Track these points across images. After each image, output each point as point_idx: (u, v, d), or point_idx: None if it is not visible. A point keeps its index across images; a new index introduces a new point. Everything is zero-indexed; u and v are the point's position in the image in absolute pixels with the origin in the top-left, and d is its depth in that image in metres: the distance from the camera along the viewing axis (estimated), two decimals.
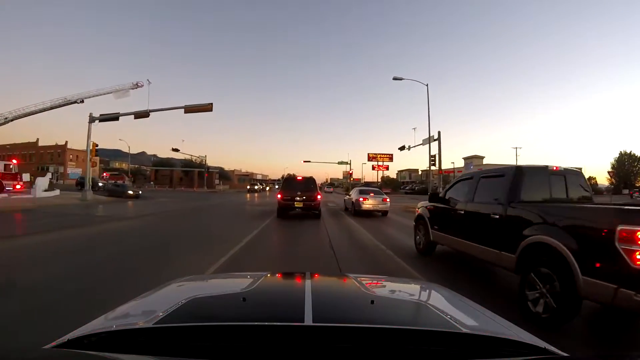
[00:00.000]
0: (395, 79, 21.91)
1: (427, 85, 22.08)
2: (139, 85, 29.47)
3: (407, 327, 0.93)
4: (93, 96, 28.88)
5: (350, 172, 52.43)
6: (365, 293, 1.43)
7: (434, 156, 22.90)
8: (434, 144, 23.18)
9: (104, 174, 61.70)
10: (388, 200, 14.31)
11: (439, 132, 23.46)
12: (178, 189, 54.04)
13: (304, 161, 56.35)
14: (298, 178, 13.34)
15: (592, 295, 2.75)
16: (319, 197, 12.67)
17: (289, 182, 13.33)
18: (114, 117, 21.44)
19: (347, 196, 17.13)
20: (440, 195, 5.97)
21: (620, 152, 70.16)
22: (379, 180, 63.55)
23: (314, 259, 6.26)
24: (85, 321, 1.04)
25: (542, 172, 4.39)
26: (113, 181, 52.34)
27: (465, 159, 68.98)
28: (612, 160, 67.34)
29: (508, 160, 67.89)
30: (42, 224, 9.69)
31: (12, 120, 27.88)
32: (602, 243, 2.67)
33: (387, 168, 48.19)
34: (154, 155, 69.95)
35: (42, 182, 22.29)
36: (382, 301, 1.32)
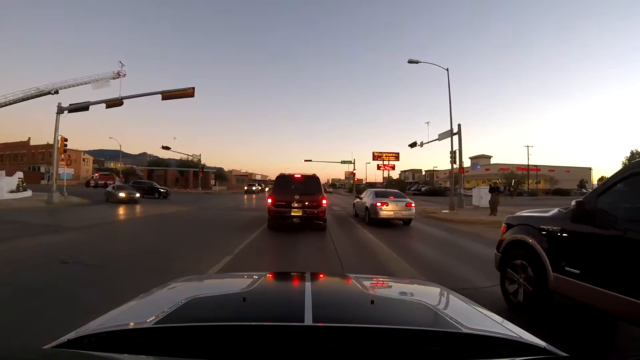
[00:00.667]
0: (410, 62, 18.84)
1: (447, 69, 19.03)
2: (121, 74, 26.60)
3: (407, 327, 0.92)
4: (69, 86, 26.00)
5: (354, 172, 49.30)
6: (365, 293, 1.43)
7: (456, 152, 19.79)
8: (452, 139, 20.14)
9: (95, 174, 59.15)
10: (414, 205, 11.16)
11: (459, 126, 20.45)
12: (171, 189, 51.01)
13: (305, 160, 53.25)
14: (296, 176, 9.83)
15: None
16: (324, 202, 9.36)
17: (283, 182, 9.74)
18: (84, 107, 18.47)
19: (357, 199, 13.84)
20: (587, 205, 2.90)
21: (632, 151, 67.02)
22: (382, 180, 60.48)
23: None
24: None
25: None
26: (103, 182, 50.00)
27: (471, 158, 65.79)
28: (624, 159, 64.04)
29: (517, 160, 65.07)
30: None
31: None
32: None
33: (393, 167, 45.13)
34: (156, 156, 66.85)
35: (7, 182, 19.83)
36: (382, 301, 1.33)
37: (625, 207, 2.73)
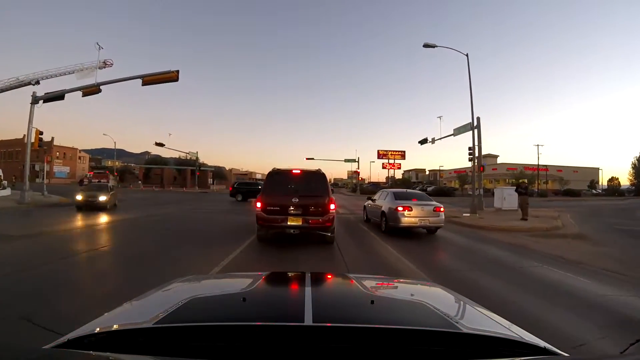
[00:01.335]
0: (426, 45, 16.73)
1: (466, 54, 16.91)
2: (107, 63, 24.61)
3: (407, 327, 0.91)
4: (52, 76, 23.98)
5: (358, 170, 47.26)
6: (365, 293, 1.42)
7: (475, 148, 17.68)
8: (474, 133, 18.03)
9: (89, 172, 57.29)
10: (442, 209, 9.05)
11: (479, 119, 18.32)
12: (167, 188, 49.09)
13: (307, 158, 50.76)
14: (294, 172, 7.31)
15: None
16: (332, 206, 6.98)
17: (277, 181, 7.28)
18: (60, 96, 16.61)
19: (369, 201, 11.55)
20: None
21: None
22: (386, 180, 58.28)
23: None
24: None
25: None
26: (97, 180, 48.20)
27: (469, 159, 63.42)
28: (633, 160, 61.73)
29: (524, 160, 63.00)
30: None
31: None
32: None
33: (399, 166, 43.05)
34: (157, 155, 64.62)
35: None
36: (382, 301, 1.33)
37: None
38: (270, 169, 7.63)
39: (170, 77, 13.67)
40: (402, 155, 42.56)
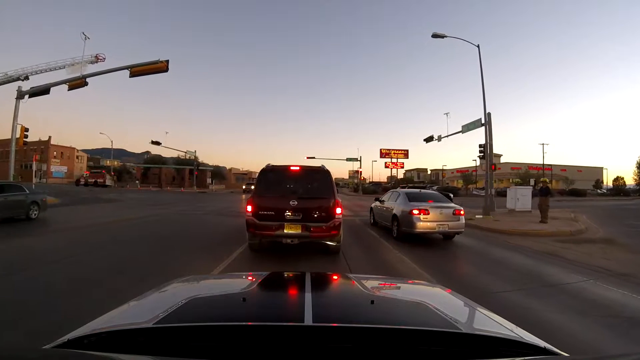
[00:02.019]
0: (435, 35, 15.67)
1: (478, 46, 15.87)
2: (100, 58, 23.60)
3: (407, 327, 0.91)
4: (42, 72, 22.98)
5: (360, 170, 46.19)
6: (365, 293, 1.41)
7: (486, 146, 16.62)
8: (477, 132, 17.01)
9: (85, 172, 56.30)
10: (463, 212, 7.83)
11: (489, 115, 17.25)
12: (165, 188, 48.05)
13: (308, 157, 49.18)
14: (293, 169, 6.14)
15: None
16: (338, 210, 5.79)
17: (271, 179, 6.11)
18: (45, 90, 15.71)
19: (377, 203, 10.41)
20: None
21: None
22: (387, 179, 57.23)
23: None
24: None
25: None
26: (93, 180, 47.14)
27: (480, 157, 62.47)
28: (638, 159, 60.58)
29: (528, 159, 62.02)
30: None
31: None
32: None
33: (402, 165, 42.00)
34: (158, 155, 63.41)
35: None
36: (382, 301, 1.32)
37: None
38: None
39: (159, 67, 12.66)
40: (405, 154, 41.52)
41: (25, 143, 17.06)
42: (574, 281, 5.13)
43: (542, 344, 0.91)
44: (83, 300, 3.59)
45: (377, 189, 41.61)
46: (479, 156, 17.63)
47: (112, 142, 53.67)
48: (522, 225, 11.30)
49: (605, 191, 62.59)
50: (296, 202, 5.67)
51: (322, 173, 6.23)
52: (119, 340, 0.87)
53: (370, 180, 63.52)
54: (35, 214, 10.41)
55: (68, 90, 14.93)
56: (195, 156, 49.37)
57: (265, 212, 5.69)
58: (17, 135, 16.37)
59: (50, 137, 62.30)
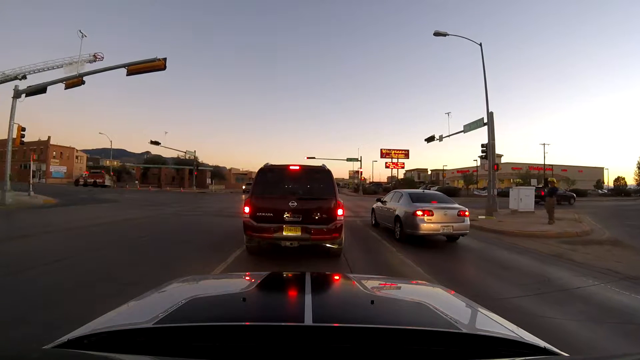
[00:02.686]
0: (437, 34, 15.47)
1: (480, 44, 15.67)
2: (98, 57, 23.40)
3: (407, 327, 0.90)
4: (39, 71, 22.76)
5: (360, 170, 45.98)
6: (365, 293, 1.42)
7: (489, 145, 16.42)
8: (478, 132, 16.82)
9: (85, 172, 56.13)
10: (468, 213, 7.64)
11: (492, 114, 17.04)
12: (165, 188, 47.86)
13: (308, 157, 48.76)
14: (292, 169, 5.89)
15: None
16: (340, 212, 5.58)
17: (270, 179, 5.87)
18: (42, 89, 15.51)
19: (379, 203, 10.16)
20: None
21: None
22: (387, 179, 57.05)
23: None
24: None
25: None
26: (92, 180, 46.97)
27: (481, 157, 62.25)
28: (639, 159, 60.41)
29: (528, 159, 61.83)
30: None
31: None
32: None
33: (403, 166, 41.81)
34: (158, 155, 63.13)
35: None
36: (382, 301, 1.31)
37: None
38: None
39: (157, 65, 12.48)
40: (406, 154, 41.34)
41: (22, 143, 16.84)
42: (584, 285, 4.95)
43: (542, 344, 0.91)
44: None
45: (377, 189, 41.42)
46: (480, 156, 17.41)
47: (111, 142, 53.58)
48: (526, 226, 11.09)
49: (606, 191, 62.46)
50: (296, 203, 5.46)
51: (323, 173, 6.01)
52: (119, 340, 0.87)
53: (371, 181, 63.31)
54: None
55: (65, 89, 14.76)
56: (194, 156, 49.19)
57: (263, 214, 5.48)
58: (14, 135, 16.16)
59: (49, 137, 62.16)
